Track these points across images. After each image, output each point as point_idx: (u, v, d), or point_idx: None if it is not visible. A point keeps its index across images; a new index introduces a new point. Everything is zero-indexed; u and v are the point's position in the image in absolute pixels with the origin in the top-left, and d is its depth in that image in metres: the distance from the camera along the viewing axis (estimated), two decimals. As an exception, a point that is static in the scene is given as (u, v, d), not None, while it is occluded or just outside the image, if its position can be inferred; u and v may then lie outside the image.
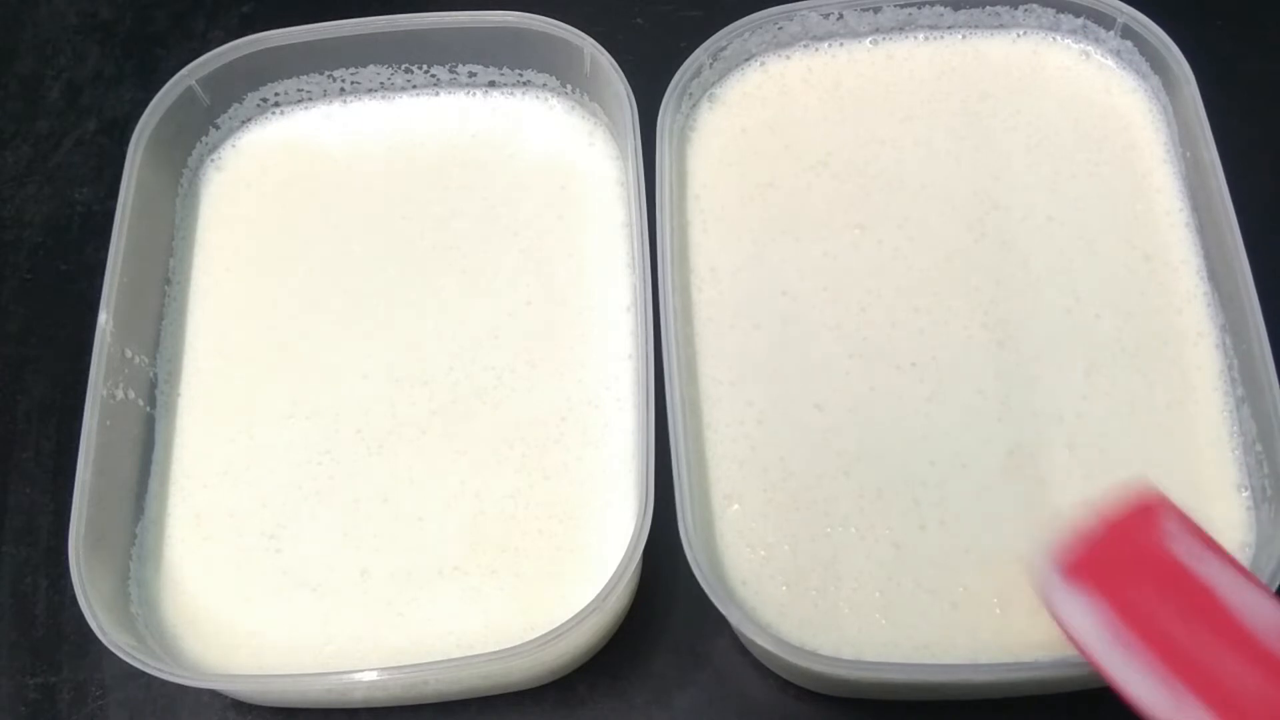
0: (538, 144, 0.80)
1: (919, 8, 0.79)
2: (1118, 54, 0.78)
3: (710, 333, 0.73)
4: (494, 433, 0.72)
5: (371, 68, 0.81)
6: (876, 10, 0.79)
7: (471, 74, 0.82)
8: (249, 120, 0.82)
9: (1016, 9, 0.79)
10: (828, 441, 0.70)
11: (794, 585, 0.67)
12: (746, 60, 0.80)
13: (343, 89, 0.82)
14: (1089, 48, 0.79)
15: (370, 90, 0.82)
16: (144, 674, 0.64)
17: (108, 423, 0.70)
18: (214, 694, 0.72)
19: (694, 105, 0.79)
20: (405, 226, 0.79)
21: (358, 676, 0.64)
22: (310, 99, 0.82)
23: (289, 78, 0.81)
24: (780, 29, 0.79)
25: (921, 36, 0.80)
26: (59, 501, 0.76)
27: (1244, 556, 0.66)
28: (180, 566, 0.71)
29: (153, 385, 0.75)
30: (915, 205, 0.75)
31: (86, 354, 0.71)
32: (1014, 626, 0.65)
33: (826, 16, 0.79)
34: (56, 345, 0.82)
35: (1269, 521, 0.65)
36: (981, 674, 0.65)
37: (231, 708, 0.72)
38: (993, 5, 0.79)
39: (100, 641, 0.64)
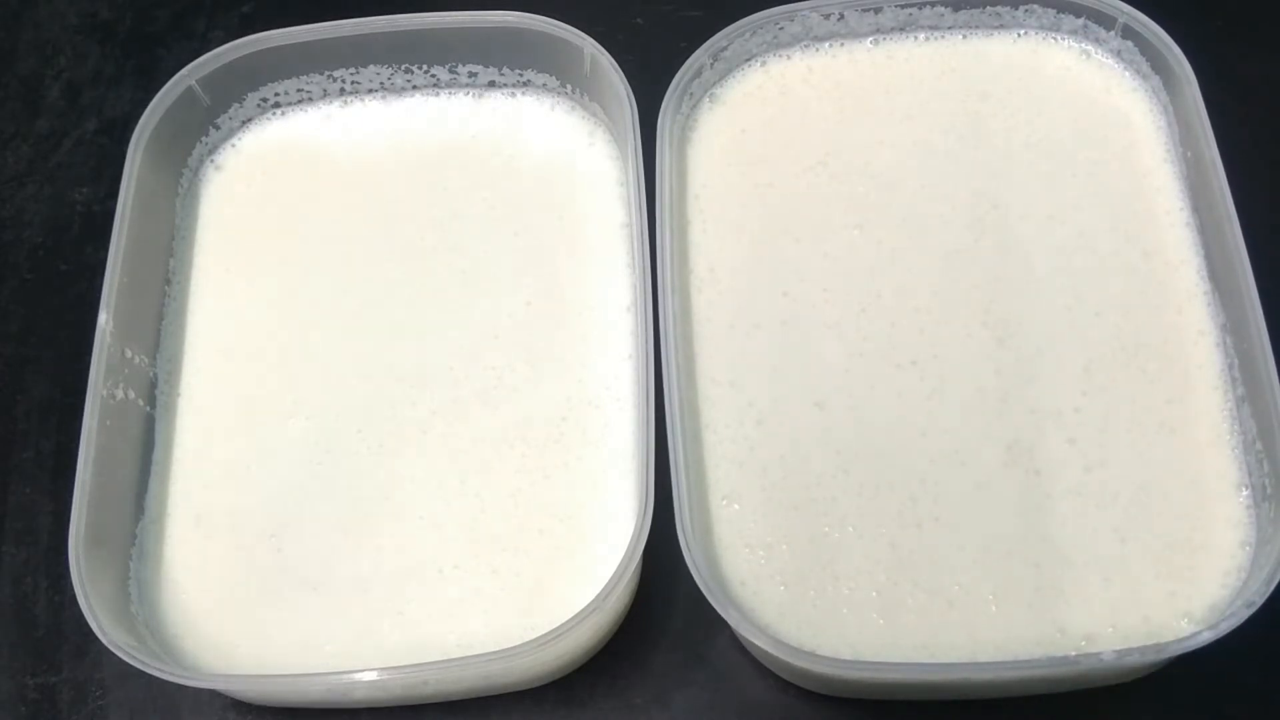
0: (538, 144, 0.80)
1: (919, 8, 0.79)
2: (1118, 54, 0.78)
3: (710, 333, 0.73)
4: (494, 433, 0.72)
5: (371, 68, 0.81)
6: (877, 10, 0.79)
7: (471, 74, 0.82)
8: (249, 120, 0.82)
9: (1017, 9, 0.79)
10: (827, 441, 0.70)
11: (793, 585, 0.67)
12: (747, 60, 0.80)
13: (343, 89, 0.82)
14: (1089, 47, 0.79)
15: (370, 90, 0.82)
16: (144, 674, 0.64)
17: (108, 423, 0.70)
18: (214, 694, 0.72)
19: (694, 105, 0.79)
20: (405, 226, 0.79)
21: (358, 676, 0.64)
22: (310, 99, 0.82)
23: (289, 78, 0.81)
24: (781, 29, 0.79)
25: (922, 36, 0.80)
26: (59, 501, 0.76)
27: (1244, 555, 0.66)
28: (180, 566, 0.71)
29: (153, 385, 0.75)
30: (915, 205, 0.75)
31: (86, 354, 0.71)
32: (1011, 624, 0.65)
33: (827, 17, 0.79)
34: (56, 345, 0.82)
35: (1269, 520, 0.65)
36: (979, 672, 0.65)
37: (231, 708, 0.72)
38: (993, 5, 0.79)
39: (100, 641, 0.64)
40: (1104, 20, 0.77)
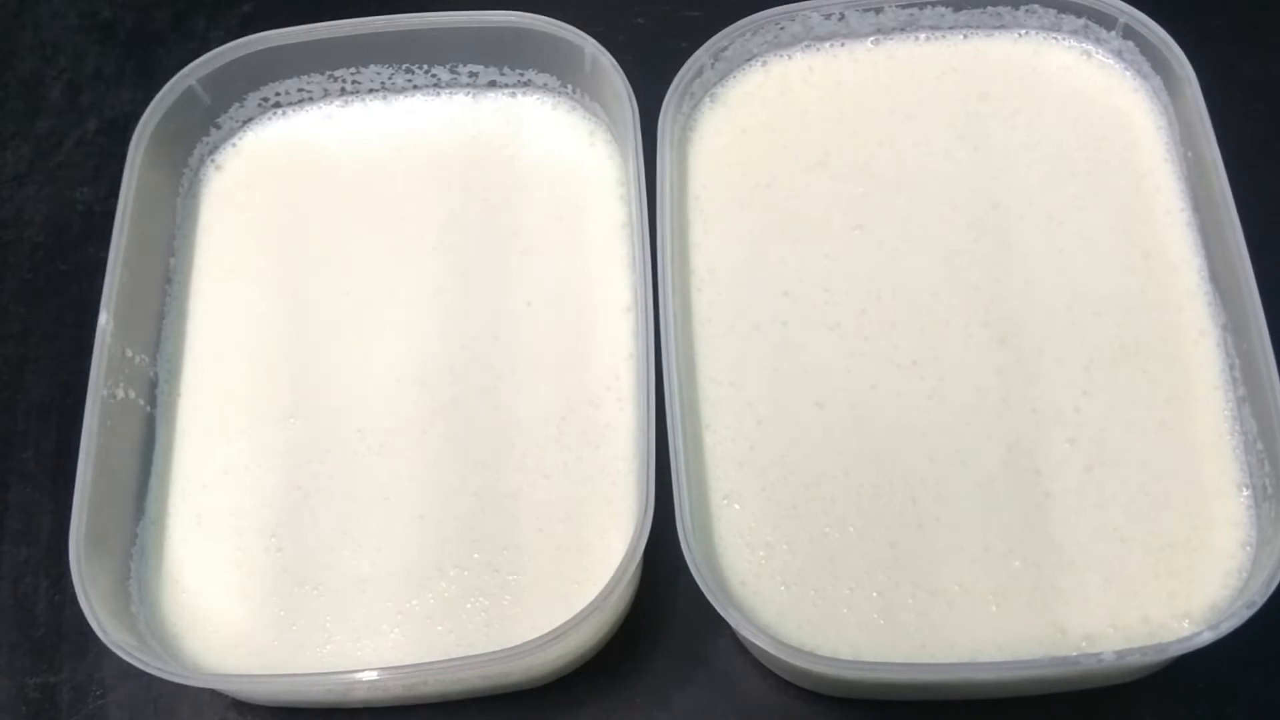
0: (538, 144, 0.80)
1: (920, 8, 0.79)
2: (1119, 54, 0.78)
3: (710, 333, 0.73)
4: (494, 432, 0.72)
5: (372, 68, 0.81)
6: (878, 10, 0.79)
7: (472, 74, 0.82)
8: (249, 120, 0.82)
9: (1018, 9, 0.79)
10: (827, 441, 0.70)
11: (793, 586, 0.67)
12: (748, 60, 0.80)
13: (343, 89, 0.82)
14: (1090, 48, 0.79)
15: (371, 90, 0.82)
16: (144, 674, 0.64)
17: (108, 423, 0.70)
18: (214, 694, 0.72)
19: (694, 105, 0.79)
20: (406, 227, 0.79)
21: (358, 676, 0.64)
22: (311, 99, 0.82)
23: (289, 78, 0.81)
24: (782, 29, 0.79)
25: (923, 36, 0.80)
26: (59, 501, 0.76)
27: (1244, 555, 0.66)
28: (180, 566, 0.71)
29: (153, 385, 0.75)
30: (915, 205, 0.75)
31: (86, 354, 0.71)
32: (1011, 624, 0.65)
33: (828, 17, 0.79)
34: (56, 345, 0.82)
35: (1269, 520, 0.65)
36: (979, 673, 0.65)
37: (231, 708, 0.72)
38: (994, 5, 0.79)
39: (100, 641, 0.64)
40: (1105, 20, 0.77)
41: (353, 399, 0.74)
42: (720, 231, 0.76)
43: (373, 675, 0.64)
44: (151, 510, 0.72)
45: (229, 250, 0.79)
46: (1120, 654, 0.62)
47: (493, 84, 0.82)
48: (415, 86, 0.82)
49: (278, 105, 0.82)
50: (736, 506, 0.69)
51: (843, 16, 0.79)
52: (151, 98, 0.77)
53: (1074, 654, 0.64)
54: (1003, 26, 0.80)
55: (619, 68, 0.76)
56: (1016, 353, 0.71)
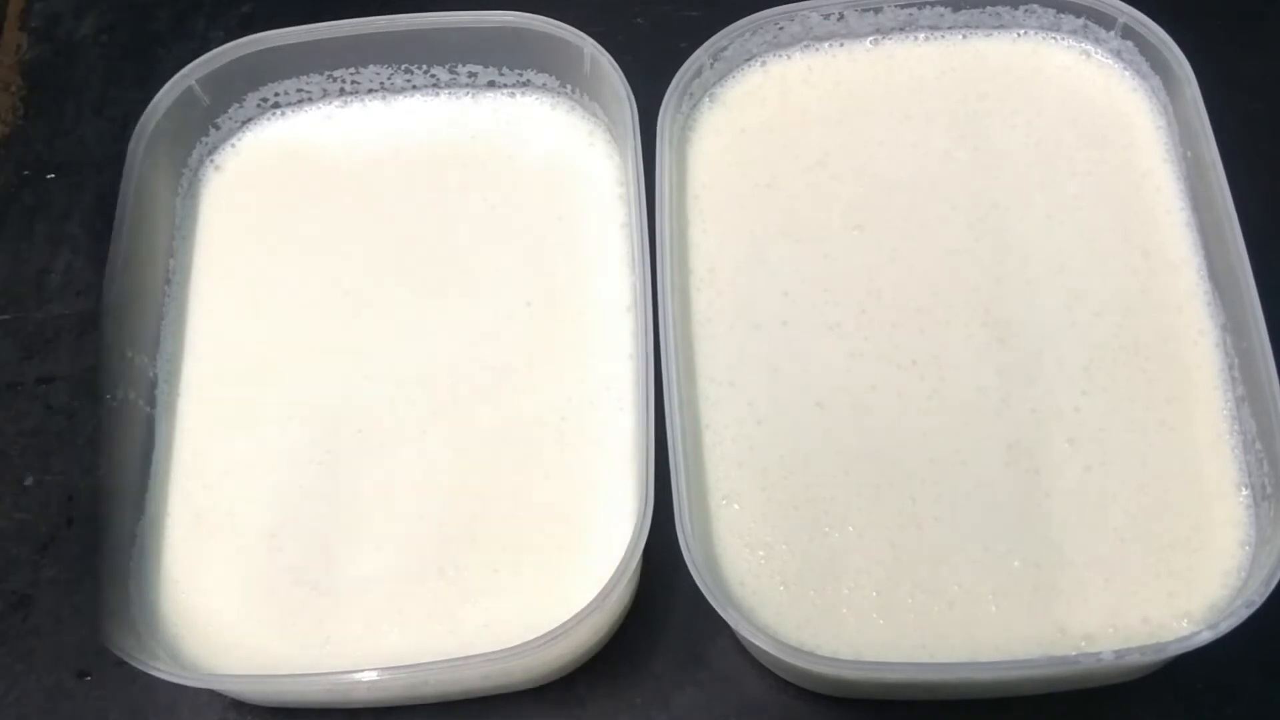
0: (538, 144, 0.80)
1: (919, 8, 0.79)
2: (1118, 54, 0.78)
3: (710, 333, 0.73)
4: (494, 433, 0.72)
5: (371, 68, 0.81)
6: (877, 10, 0.79)
7: (471, 74, 0.82)
8: (249, 120, 0.82)
9: (1017, 9, 0.79)
10: (827, 441, 0.70)
11: (792, 585, 0.67)
12: (747, 60, 0.80)
13: (343, 89, 0.82)
14: (1089, 47, 0.79)
15: (370, 90, 0.82)
16: (144, 674, 0.64)
17: (107, 423, 0.70)
18: (214, 694, 0.72)
19: (694, 105, 0.79)
20: (405, 227, 0.79)
21: (358, 676, 0.64)
22: (310, 99, 0.82)
23: (289, 78, 0.81)
24: (781, 29, 0.79)
25: (922, 36, 0.80)
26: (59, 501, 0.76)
27: (1243, 555, 0.66)
28: (180, 566, 0.71)
29: (153, 385, 0.75)
30: (915, 205, 0.75)
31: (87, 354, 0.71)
32: (1011, 624, 0.65)
33: (827, 17, 0.79)
34: (57, 345, 0.82)
35: (1268, 520, 0.65)
36: (978, 672, 0.65)
37: (231, 708, 0.72)
38: (993, 5, 0.79)
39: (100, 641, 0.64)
40: (1104, 20, 0.77)
41: (353, 399, 0.74)
42: (720, 231, 0.76)
43: (373, 675, 0.64)
44: (151, 510, 0.72)
45: (229, 250, 0.79)
46: (1119, 654, 0.62)
47: (492, 84, 0.82)
48: (414, 87, 0.82)
49: (277, 105, 0.82)
50: (736, 506, 0.69)
51: (842, 16, 0.79)
52: (151, 98, 0.77)
53: (1073, 654, 0.64)
54: (1002, 26, 0.80)
55: (618, 68, 0.76)
56: (1016, 353, 0.71)
